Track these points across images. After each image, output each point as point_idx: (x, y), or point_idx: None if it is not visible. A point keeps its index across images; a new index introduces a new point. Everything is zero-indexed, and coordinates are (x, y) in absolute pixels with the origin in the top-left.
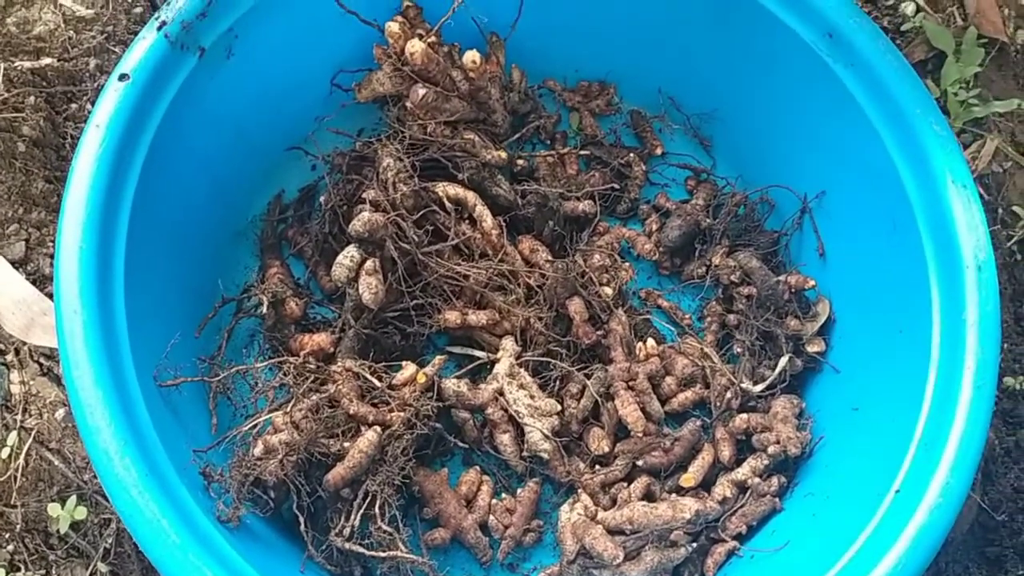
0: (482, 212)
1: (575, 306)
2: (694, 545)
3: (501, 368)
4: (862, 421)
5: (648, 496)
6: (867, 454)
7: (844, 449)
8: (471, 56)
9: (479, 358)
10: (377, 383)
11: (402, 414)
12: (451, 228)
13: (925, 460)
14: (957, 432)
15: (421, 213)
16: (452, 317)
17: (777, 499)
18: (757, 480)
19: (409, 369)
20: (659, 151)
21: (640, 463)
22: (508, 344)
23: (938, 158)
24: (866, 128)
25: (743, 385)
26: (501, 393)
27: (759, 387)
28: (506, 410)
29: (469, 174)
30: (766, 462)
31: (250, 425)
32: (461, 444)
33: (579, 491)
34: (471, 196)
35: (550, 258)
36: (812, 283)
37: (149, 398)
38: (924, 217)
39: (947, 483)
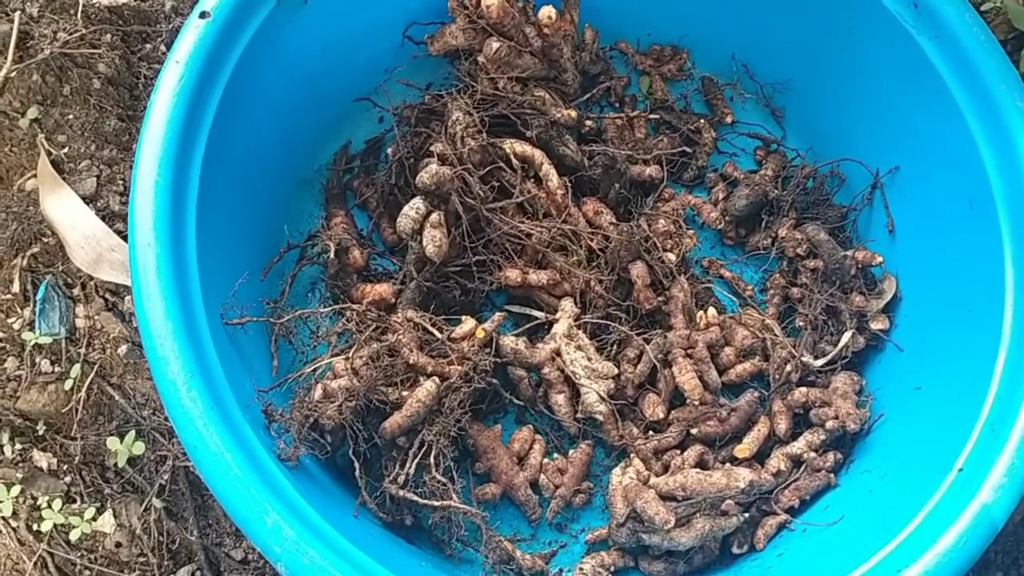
0: (548, 171)
1: (638, 270)
2: (745, 516)
3: (559, 328)
4: (925, 401)
5: (701, 465)
6: (929, 433)
7: (905, 428)
8: (547, 12)
9: (537, 318)
10: (438, 334)
11: (460, 367)
12: (516, 186)
13: (991, 440)
14: None
15: (487, 169)
16: (513, 275)
17: (832, 475)
18: (813, 455)
19: (469, 323)
20: (729, 119)
21: (694, 431)
22: (567, 305)
23: (1022, 138)
24: (948, 103)
25: (804, 359)
26: (558, 353)
27: (820, 361)
28: (562, 370)
29: (537, 132)
30: (823, 437)
31: (311, 368)
32: (517, 401)
33: (631, 456)
34: (538, 154)
35: (614, 221)
36: (880, 259)
37: (216, 334)
38: (1003, 197)
39: (1013, 464)
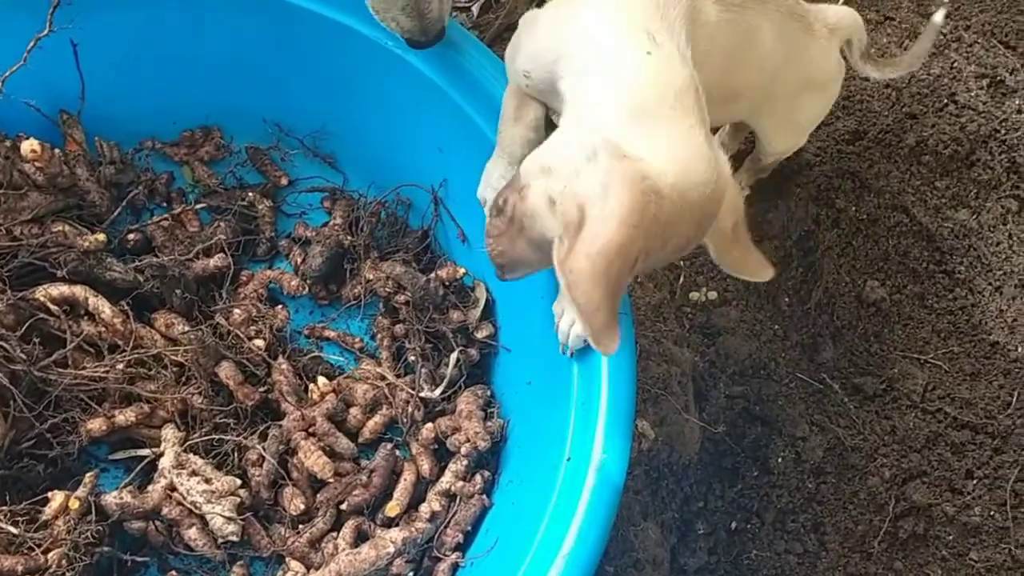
0: (97, 304)
1: (225, 371)
2: (411, 575)
3: (165, 461)
4: (536, 394)
5: (362, 537)
6: (544, 427)
7: (528, 427)
8: (27, 147)
9: (146, 457)
10: (13, 530)
11: (60, 550)
12: (67, 331)
13: (585, 420)
14: (606, 384)
15: (27, 325)
16: (96, 425)
17: (485, 496)
18: (461, 483)
19: (57, 499)
20: (284, 181)
21: (345, 507)
22: (168, 433)
23: None
24: (452, 107)
25: (422, 394)
26: (173, 488)
27: (437, 391)
28: (182, 504)
29: (72, 267)
30: (465, 463)
31: None
32: (138, 559)
33: (287, 559)
34: (79, 290)
35: (187, 329)
36: (462, 271)
37: None
38: None
39: (608, 436)
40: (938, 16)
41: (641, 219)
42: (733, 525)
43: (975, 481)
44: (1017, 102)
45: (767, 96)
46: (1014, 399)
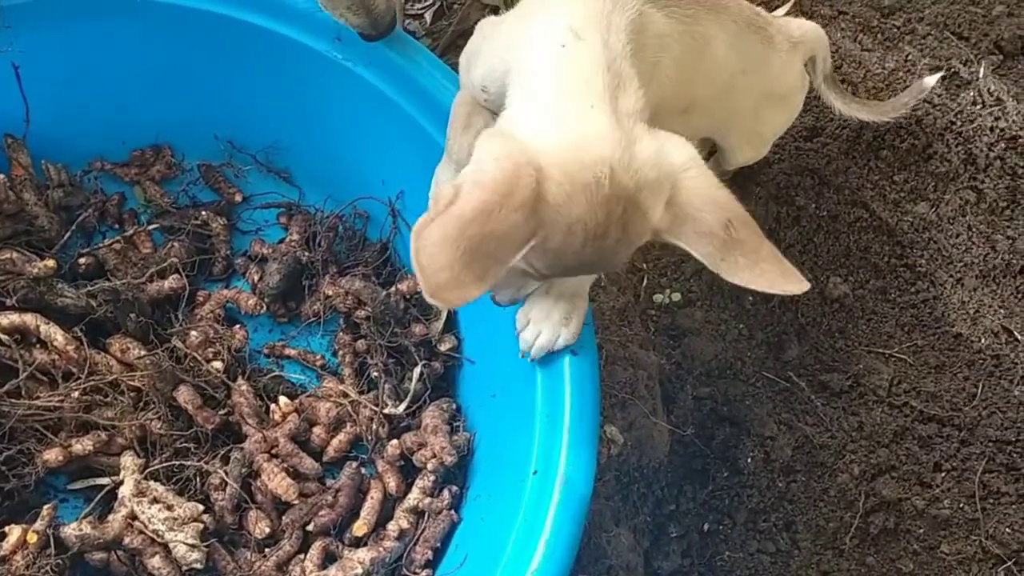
0: (49, 331)
1: (183, 395)
2: None
3: (125, 490)
4: (501, 407)
5: (330, 559)
6: (510, 440)
7: (494, 440)
8: None
9: (105, 486)
10: None
11: None
12: (19, 360)
13: (550, 434)
14: (569, 395)
15: None
16: (53, 455)
17: (453, 511)
18: (429, 500)
19: (14, 533)
20: (238, 198)
21: (311, 528)
22: (127, 461)
23: None
24: (401, 115)
25: (386, 410)
26: (134, 516)
27: (402, 406)
28: (144, 532)
29: (22, 295)
30: (432, 479)
31: None
32: None
33: None
34: (29, 318)
35: (143, 353)
36: None
37: None
38: None
39: (573, 447)
40: (930, 79)
41: (512, 189)
42: (705, 527)
43: (943, 474)
44: (972, 94)
45: (727, 109)
46: (979, 390)
